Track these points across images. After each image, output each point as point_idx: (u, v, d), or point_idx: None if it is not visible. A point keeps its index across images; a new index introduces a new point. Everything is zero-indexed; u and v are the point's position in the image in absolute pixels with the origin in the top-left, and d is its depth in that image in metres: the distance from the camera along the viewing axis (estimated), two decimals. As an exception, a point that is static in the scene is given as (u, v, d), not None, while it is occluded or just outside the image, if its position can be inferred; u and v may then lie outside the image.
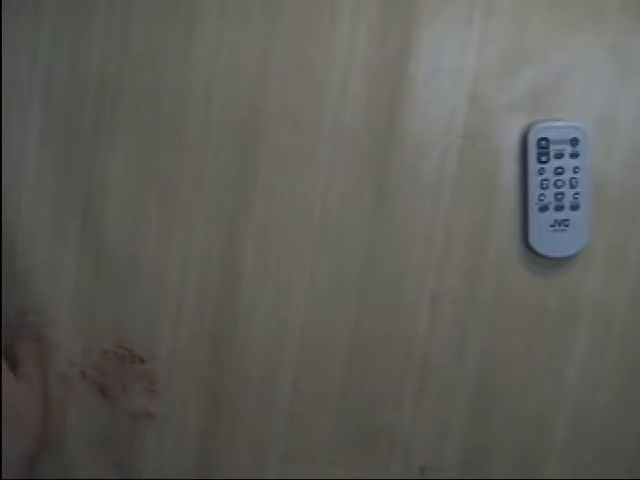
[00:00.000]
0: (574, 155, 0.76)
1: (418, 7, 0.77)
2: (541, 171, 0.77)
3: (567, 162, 0.76)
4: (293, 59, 0.79)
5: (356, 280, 0.80)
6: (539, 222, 0.77)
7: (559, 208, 0.77)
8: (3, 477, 0.82)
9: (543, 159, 0.76)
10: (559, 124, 0.76)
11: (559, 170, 0.76)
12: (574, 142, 0.76)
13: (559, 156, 0.76)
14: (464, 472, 0.80)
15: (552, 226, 0.77)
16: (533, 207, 0.77)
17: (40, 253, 0.83)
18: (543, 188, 0.77)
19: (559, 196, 0.77)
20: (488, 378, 0.79)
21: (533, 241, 0.77)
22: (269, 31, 0.78)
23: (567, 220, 0.77)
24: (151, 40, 0.80)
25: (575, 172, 0.77)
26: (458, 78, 0.77)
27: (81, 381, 0.84)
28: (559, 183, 0.77)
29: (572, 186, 0.77)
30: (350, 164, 0.79)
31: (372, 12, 0.77)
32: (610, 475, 0.79)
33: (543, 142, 0.76)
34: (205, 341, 0.82)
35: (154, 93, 0.80)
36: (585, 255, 0.78)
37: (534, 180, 0.77)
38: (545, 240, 0.78)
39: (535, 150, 0.76)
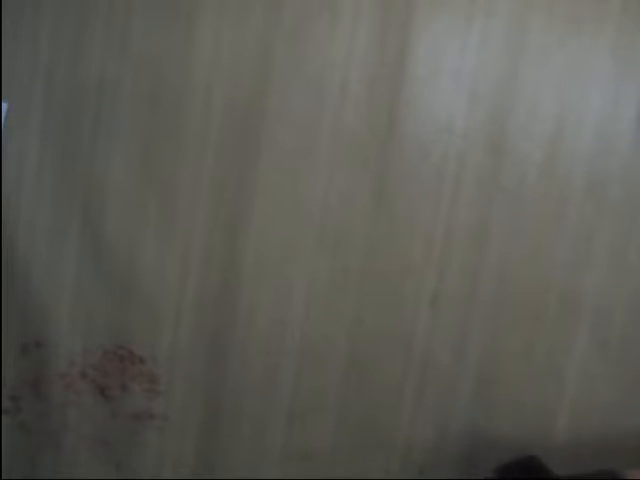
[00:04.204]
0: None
1: (418, 7, 0.76)
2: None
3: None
4: (293, 59, 0.79)
5: (356, 279, 0.80)
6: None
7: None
8: (3, 477, 0.82)
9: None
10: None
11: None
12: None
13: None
14: (464, 472, 0.80)
15: (552, 226, 0.77)
16: (533, 207, 0.77)
17: (40, 253, 0.83)
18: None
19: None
20: (488, 377, 0.79)
21: (533, 241, 0.77)
22: (269, 31, 0.78)
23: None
24: (151, 40, 0.80)
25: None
26: (458, 78, 0.77)
27: (81, 381, 0.84)
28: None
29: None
30: (350, 164, 0.79)
31: (372, 12, 0.77)
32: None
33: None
34: (205, 341, 0.82)
35: (154, 93, 0.80)
36: (585, 255, 0.78)
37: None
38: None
39: (535, 150, 0.76)
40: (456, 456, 0.80)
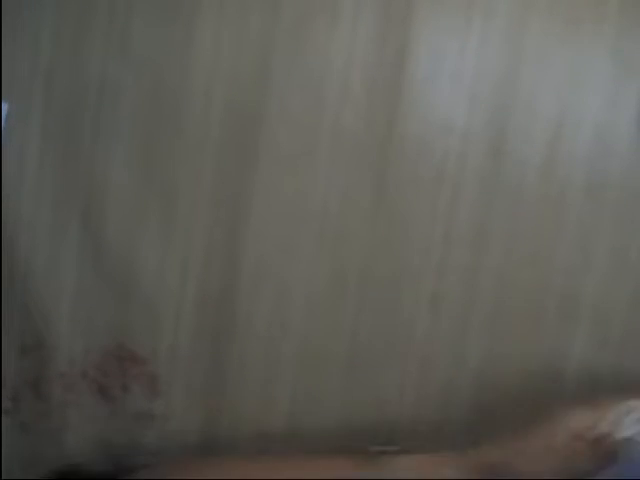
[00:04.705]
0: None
1: (418, 8, 0.76)
2: (541, 172, 0.77)
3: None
4: (293, 60, 0.78)
5: (356, 281, 0.80)
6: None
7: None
8: (3, 477, 0.82)
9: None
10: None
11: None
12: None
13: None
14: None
15: (552, 227, 0.77)
16: (533, 208, 0.77)
17: (40, 253, 0.83)
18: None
19: (559, 197, 0.77)
20: (488, 379, 0.79)
21: (533, 242, 0.78)
22: (269, 31, 0.78)
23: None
24: (151, 40, 0.80)
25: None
26: (458, 79, 0.77)
27: (82, 381, 0.84)
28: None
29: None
30: (350, 164, 0.79)
31: (372, 13, 0.77)
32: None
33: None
34: (205, 342, 0.82)
35: (154, 93, 0.80)
36: (585, 255, 0.78)
37: (534, 181, 0.77)
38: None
39: (535, 151, 0.76)
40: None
